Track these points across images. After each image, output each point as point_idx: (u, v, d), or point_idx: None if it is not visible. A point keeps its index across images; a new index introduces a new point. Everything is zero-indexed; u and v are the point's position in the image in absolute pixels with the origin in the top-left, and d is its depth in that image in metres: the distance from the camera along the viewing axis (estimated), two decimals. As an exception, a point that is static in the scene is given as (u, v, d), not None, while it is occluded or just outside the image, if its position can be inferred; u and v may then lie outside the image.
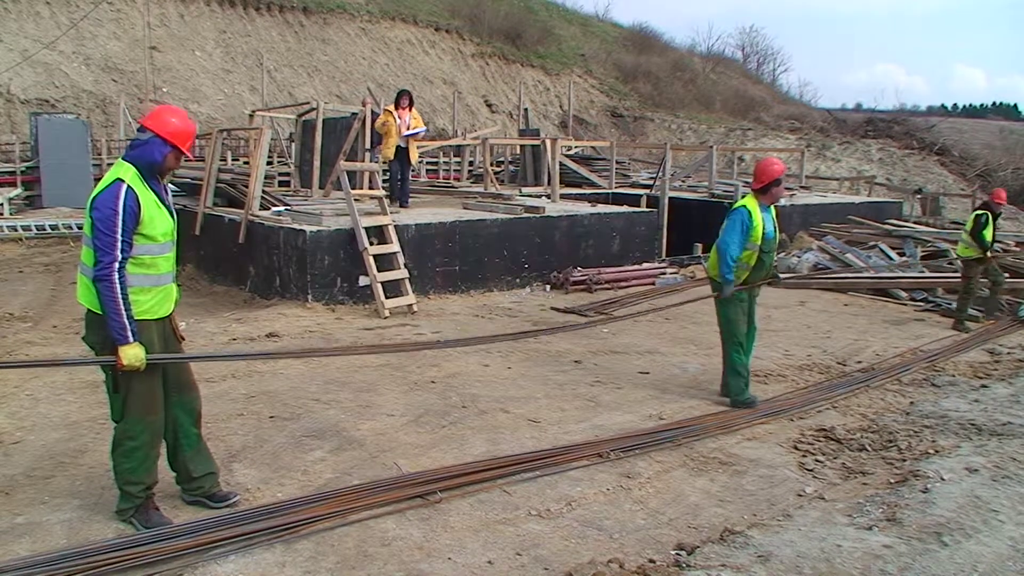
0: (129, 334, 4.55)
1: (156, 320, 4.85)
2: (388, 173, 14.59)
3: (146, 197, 4.65)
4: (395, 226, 11.64)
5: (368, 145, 14.57)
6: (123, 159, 4.69)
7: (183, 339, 5.37)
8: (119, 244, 4.48)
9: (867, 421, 7.31)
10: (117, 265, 4.50)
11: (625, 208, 15.84)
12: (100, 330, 4.68)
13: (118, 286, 4.51)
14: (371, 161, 14.10)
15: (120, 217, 4.46)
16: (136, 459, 4.79)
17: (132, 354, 4.55)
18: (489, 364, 8.91)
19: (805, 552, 4.57)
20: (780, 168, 7.56)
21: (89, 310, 4.75)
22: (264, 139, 12.67)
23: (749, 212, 7.45)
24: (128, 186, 4.53)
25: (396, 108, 13.94)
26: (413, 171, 15.19)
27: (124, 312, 4.53)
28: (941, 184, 33.57)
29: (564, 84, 40.71)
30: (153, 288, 4.82)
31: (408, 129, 13.93)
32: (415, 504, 5.31)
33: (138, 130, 4.76)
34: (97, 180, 19.21)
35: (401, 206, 13.88)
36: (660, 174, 18.66)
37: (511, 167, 22.23)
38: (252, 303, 11.56)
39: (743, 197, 7.79)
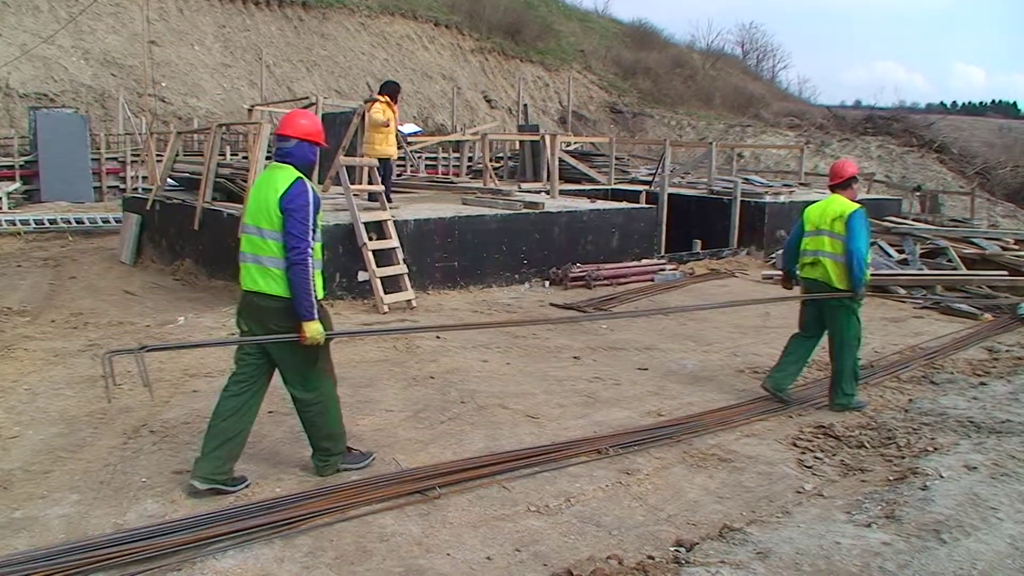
0: (315, 311, 5.14)
1: (320, 300, 5.30)
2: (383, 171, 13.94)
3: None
4: (394, 221, 11.63)
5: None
6: (278, 163, 5.25)
7: None
8: (311, 232, 5.09)
9: (866, 418, 7.31)
10: (310, 251, 5.08)
11: (624, 204, 15.83)
12: (282, 311, 5.18)
13: (311, 269, 5.11)
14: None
15: (311, 208, 5.09)
16: (332, 415, 5.56)
17: (315, 329, 5.14)
18: (488, 360, 8.91)
19: (804, 549, 4.57)
20: (855, 165, 7.70)
21: (266, 295, 5.18)
22: (263, 134, 12.64)
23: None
24: (308, 184, 5.16)
25: (394, 102, 13.55)
26: (413, 167, 15.10)
27: (312, 292, 5.11)
28: (940, 182, 33.55)
29: (563, 80, 40.70)
30: (318, 272, 5.30)
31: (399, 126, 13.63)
32: (414, 500, 5.30)
33: (277, 139, 5.28)
34: (96, 174, 18.97)
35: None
36: (659, 170, 18.65)
37: (510, 163, 22.20)
38: (251, 298, 11.54)
39: (828, 200, 7.65)
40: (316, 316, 5.14)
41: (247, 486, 5.39)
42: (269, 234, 5.09)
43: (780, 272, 8.61)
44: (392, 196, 13.51)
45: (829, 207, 7.48)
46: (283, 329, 5.20)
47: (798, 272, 7.82)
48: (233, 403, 5.33)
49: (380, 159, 13.17)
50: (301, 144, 5.24)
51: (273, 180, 5.12)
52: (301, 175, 5.16)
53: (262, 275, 5.17)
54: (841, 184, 7.56)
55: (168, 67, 28.49)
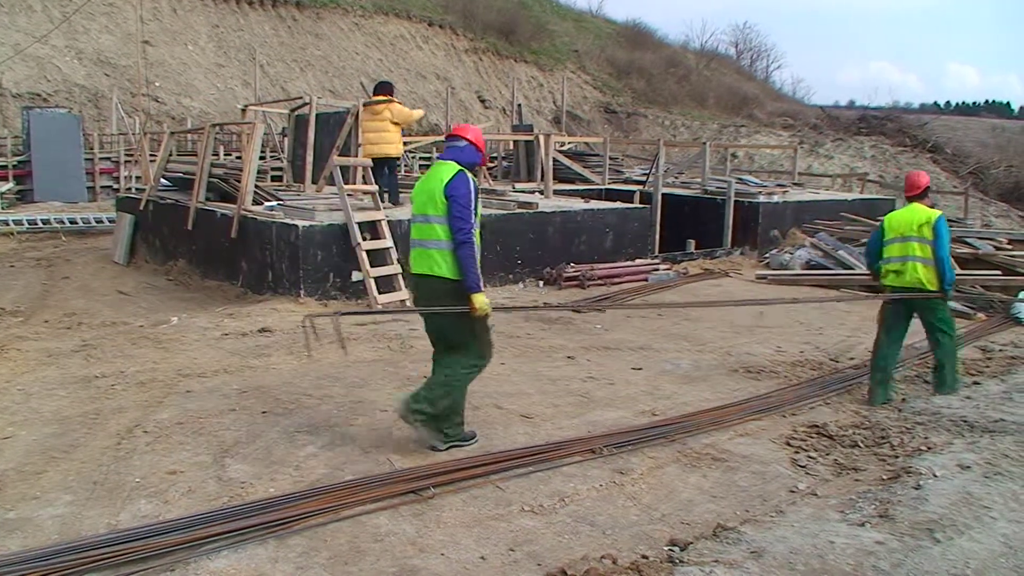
0: (481, 284, 5.79)
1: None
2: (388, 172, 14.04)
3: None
4: (388, 221, 11.62)
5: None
6: (442, 160, 6.00)
7: None
8: (472, 215, 5.71)
9: (859, 417, 7.33)
10: (472, 232, 5.71)
11: (618, 204, 15.85)
12: (448, 291, 5.82)
13: (475, 248, 5.74)
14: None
15: (472, 195, 5.74)
16: (463, 391, 6.11)
17: (482, 300, 5.76)
18: (482, 360, 8.90)
19: (798, 548, 4.58)
20: (928, 176, 8.54)
21: (435, 277, 5.84)
22: (257, 134, 12.64)
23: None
24: (470, 177, 5.82)
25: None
26: (407, 168, 15.08)
27: (477, 268, 5.74)
28: (934, 182, 33.51)
29: (557, 80, 40.68)
30: (477, 254, 5.87)
31: None
32: (408, 500, 5.30)
33: (449, 138, 6.14)
34: (89, 174, 19.05)
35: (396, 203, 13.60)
36: (653, 170, 18.65)
37: (504, 163, 22.20)
38: (244, 298, 11.54)
39: (908, 209, 8.09)
40: (482, 289, 5.79)
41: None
42: (435, 219, 5.76)
43: (775, 272, 8.73)
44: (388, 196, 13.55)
45: (914, 215, 7.89)
46: (443, 303, 5.85)
47: (881, 279, 8.25)
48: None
49: (386, 158, 13.36)
50: (470, 146, 6.02)
51: (438, 172, 5.84)
52: (463, 168, 5.85)
53: (429, 258, 5.85)
54: (919, 195, 8.09)
55: (162, 67, 28.44)
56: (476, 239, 5.78)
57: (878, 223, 8.45)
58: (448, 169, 5.82)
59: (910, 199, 8.13)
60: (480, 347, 6.08)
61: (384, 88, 13.62)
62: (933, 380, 8.22)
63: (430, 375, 6.23)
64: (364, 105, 13.38)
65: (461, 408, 6.21)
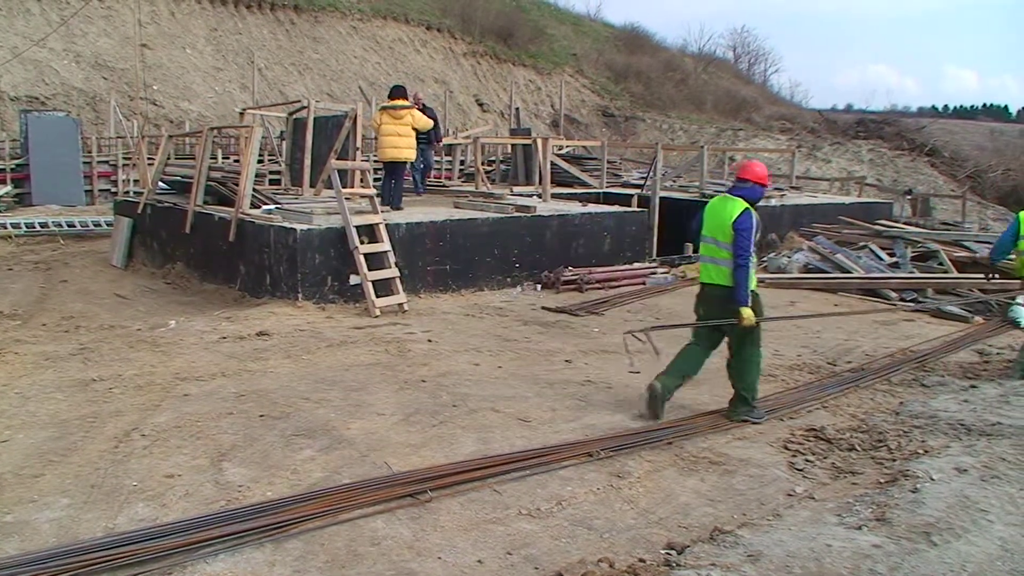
0: (748, 301, 6.92)
1: (754, 291, 7.10)
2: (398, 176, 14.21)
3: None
4: (386, 225, 11.63)
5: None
6: (730, 195, 7.08)
7: None
8: (752, 246, 6.85)
9: (857, 421, 7.33)
10: (751, 259, 6.87)
11: (616, 208, 15.84)
12: (725, 297, 7.02)
13: (749, 272, 6.89)
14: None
15: (753, 229, 6.86)
16: (756, 372, 7.28)
17: (748, 313, 6.90)
18: (480, 363, 8.91)
19: (795, 551, 4.58)
20: None
21: (717, 286, 7.10)
22: (255, 137, 12.64)
23: None
24: (753, 212, 6.91)
25: None
26: (406, 171, 15.13)
27: (747, 287, 6.89)
28: (931, 185, 33.64)
29: (555, 83, 40.70)
30: (753, 272, 7.06)
31: None
32: (405, 503, 5.30)
33: (738, 180, 7.14)
34: (87, 177, 19.23)
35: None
36: (651, 174, 18.65)
37: (502, 166, 22.21)
38: (242, 301, 11.54)
39: None
40: (748, 304, 6.90)
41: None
42: (722, 244, 6.94)
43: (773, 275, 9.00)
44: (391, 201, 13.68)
45: None
46: (727, 310, 7.01)
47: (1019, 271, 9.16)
48: (692, 351, 7.43)
49: (401, 163, 13.66)
50: (755, 186, 7.05)
51: (728, 207, 6.94)
52: (748, 206, 6.91)
53: (715, 272, 7.07)
54: None
55: (160, 70, 28.42)
56: (753, 259, 6.98)
57: (1012, 218, 8.99)
58: (737, 205, 6.92)
59: None
60: (756, 343, 7.24)
61: (403, 92, 13.79)
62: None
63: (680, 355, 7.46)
64: (383, 108, 13.46)
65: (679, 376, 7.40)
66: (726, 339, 7.35)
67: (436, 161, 27.49)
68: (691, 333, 7.58)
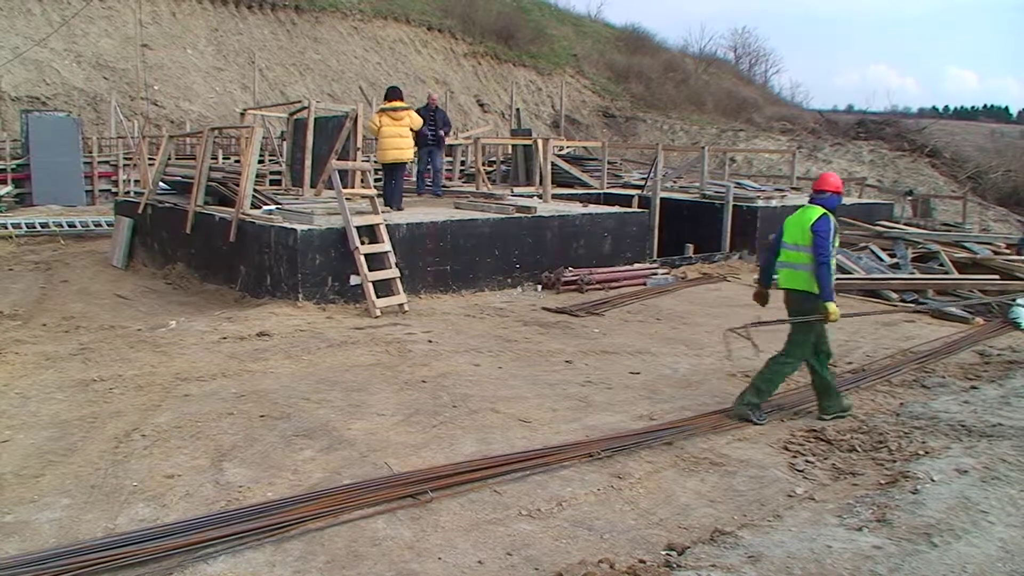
0: (834, 296, 7.28)
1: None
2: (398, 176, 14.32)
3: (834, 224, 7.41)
4: (386, 225, 11.62)
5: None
6: (810, 204, 7.51)
7: None
8: (830, 247, 7.23)
9: (857, 422, 7.33)
10: (830, 257, 7.22)
11: (616, 208, 15.84)
12: (808, 301, 7.35)
13: (831, 269, 7.26)
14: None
15: (831, 233, 7.26)
16: (782, 376, 7.58)
17: (834, 308, 7.21)
18: (480, 364, 8.91)
19: (795, 553, 4.58)
20: None
21: (796, 290, 7.45)
22: (255, 137, 12.63)
23: None
24: (831, 218, 7.35)
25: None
26: (407, 172, 15.16)
27: (831, 285, 7.26)
28: (932, 186, 33.63)
29: (556, 84, 40.71)
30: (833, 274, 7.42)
31: None
32: (405, 504, 5.31)
33: (816, 191, 7.57)
34: (88, 177, 19.23)
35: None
36: (652, 174, 18.65)
37: (503, 167, 22.20)
38: (243, 302, 11.54)
39: None
40: (833, 299, 7.24)
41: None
42: (801, 248, 7.34)
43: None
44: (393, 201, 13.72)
45: None
46: (804, 310, 7.39)
47: None
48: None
49: (401, 163, 13.75)
50: (832, 195, 7.51)
51: (807, 213, 7.40)
52: (826, 212, 7.35)
53: (793, 276, 7.46)
54: None
55: (160, 70, 28.42)
56: (833, 261, 7.32)
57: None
58: (815, 212, 7.38)
59: None
60: (804, 346, 7.54)
61: (400, 94, 13.83)
62: None
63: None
64: (383, 111, 13.46)
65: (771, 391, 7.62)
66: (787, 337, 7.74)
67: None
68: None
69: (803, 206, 7.64)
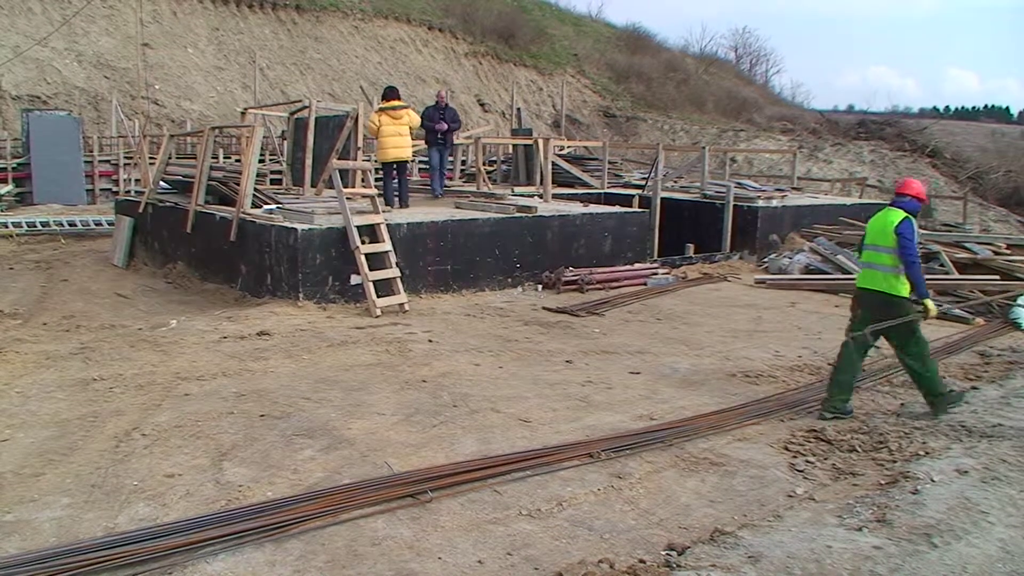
0: (928, 292, 7.53)
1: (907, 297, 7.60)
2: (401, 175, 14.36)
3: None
4: (387, 225, 11.62)
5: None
6: (891, 207, 7.65)
7: None
8: (915, 248, 7.35)
9: (857, 422, 7.32)
10: (917, 257, 7.39)
11: (617, 208, 15.84)
12: (886, 304, 7.52)
13: (919, 268, 7.41)
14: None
15: (914, 234, 7.40)
16: (936, 367, 7.75)
17: (931, 303, 7.46)
18: (480, 364, 8.91)
19: (795, 553, 4.58)
20: None
21: (874, 291, 7.59)
22: (256, 137, 12.64)
23: None
24: (913, 221, 7.47)
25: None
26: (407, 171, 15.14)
27: (923, 280, 7.47)
28: (933, 186, 33.59)
29: (557, 84, 40.70)
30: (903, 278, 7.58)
31: None
32: (405, 503, 5.30)
33: (898, 194, 7.71)
34: (88, 176, 19.17)
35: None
36: (652, 174, 18.66)
37: (503, 167, 22.21)
38: (243, 301, 11.54)
39: None
40: (928, 295, 7.50)
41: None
42: (883, 249, 7.50)
43: (774, 276, 9.00)
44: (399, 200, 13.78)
45: None
46: (884, 312, 7.53)
47: None
48: (848, 353, 7.68)
49: (403, 162, 13.81)
50: (912, 199, 7.63)
51: (890, 217, 7.53)
52: (908, 216, 7.46)
53: (876, 277, 7.59)
54: None
55: (161, 69, 28.43)
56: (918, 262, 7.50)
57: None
58: (897, 215, 7.50)
59: None
60: (924, 342, 7.71)
61: (397, 93, 13.90)
62: None
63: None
64: (382, 110, 13.48)
65: (849, 386, 7.68)
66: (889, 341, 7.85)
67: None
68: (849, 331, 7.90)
69: (886, 208, 7.81)
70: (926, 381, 7.58)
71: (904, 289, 7.51)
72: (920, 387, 7.65)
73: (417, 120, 14.04)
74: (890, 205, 7.79)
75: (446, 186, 17.24)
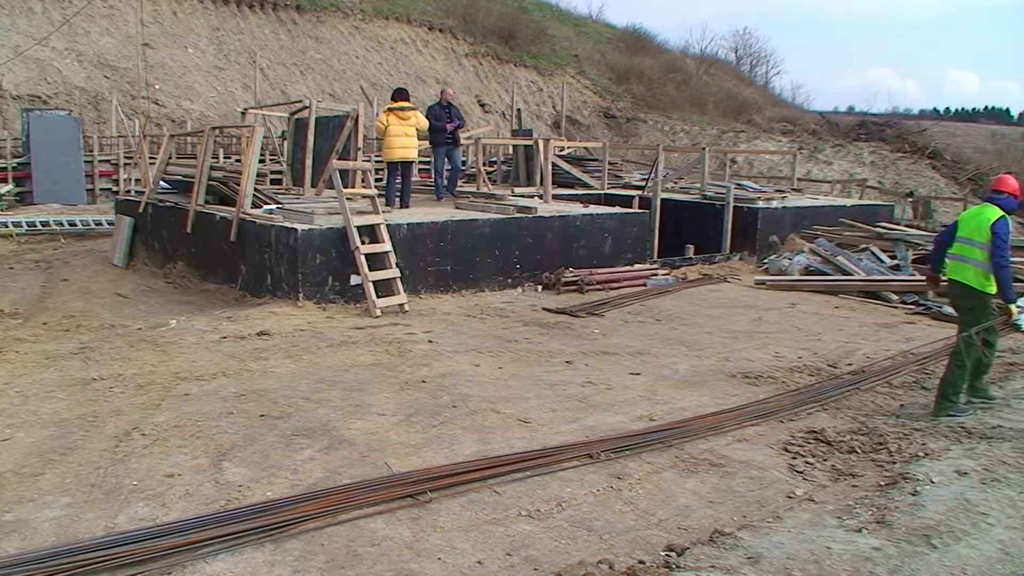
0: (1014, 297, 7.58)
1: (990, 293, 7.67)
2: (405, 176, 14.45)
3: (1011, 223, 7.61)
4: (387, 225, 11.62)
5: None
6: (988, 203, 7.69)
7: None
8: (1008, 249, 7.40)
9: (857, 423, 7.33)
10: (1009, 259, 7.41)
11: (617, 209, 15.84)
12: (969, 297, 7.62)
13: (1011, 271, 7.45)
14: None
15: (1009, 234, 7.44)
16: (992, 361, 8.02)
17: (1015, 309, 7.63)
18: (480, 364, 8.91)
19: (794, 554, 4.58)
20: None
21: (965, 284, 7.62)
22: (256, 137, 12.64)
23: None
24: (1008, 220, 7.51)
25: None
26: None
27: (1011, 284, 7.46)
28: (933, 187, 33.62)
29: (557, 84, 40.68)
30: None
31: None
32: (405, 504, 5.30)
33: (994, 191, 7.75)
34: (89, 176, 19.26)
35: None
36: (652, 175, 18.65)
37: (504, 167, 22.20)
38: (243, 301, 11.54)
39: None
40: (1014, 300, 7.58)
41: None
42: (977, 244, 7.50)
43: (774, 277, 8.96)
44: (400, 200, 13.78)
45: None
46: (969, 304, 7.68)
47: None
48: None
49: (408, 163, 13.91)
50: (1009, 197, 7.66)
51: (986, 213, 7.56)
52: (1004, 213, 7.51)
53: (965, 270, 7.61)
54: None
55: (161, 69, 28.43)
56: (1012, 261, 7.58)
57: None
58: (994, 212, 7.53)
59: None
60: (995, 338, 7.90)
61: (407, 95, 14.00)
62: None
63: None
64: (390, 111, 13.53)
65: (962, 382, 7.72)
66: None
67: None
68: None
69: (982, 203, 7.88)
70: (974, 371, 7.68)
71: (991, 288, 7.54)
72: (964, 377, 7.62)
73: (425, 123, 14.11)
74: (985, 201, 7.85)
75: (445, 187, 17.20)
